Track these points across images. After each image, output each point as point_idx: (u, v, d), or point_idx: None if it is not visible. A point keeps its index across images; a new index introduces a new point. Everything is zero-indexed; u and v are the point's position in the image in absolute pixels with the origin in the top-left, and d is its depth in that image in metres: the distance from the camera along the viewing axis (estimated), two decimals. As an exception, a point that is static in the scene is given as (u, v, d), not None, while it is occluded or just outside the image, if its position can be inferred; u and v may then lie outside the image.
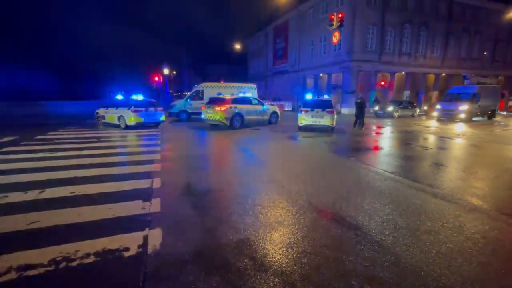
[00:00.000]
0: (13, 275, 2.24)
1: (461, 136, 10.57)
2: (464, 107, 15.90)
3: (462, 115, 15.92)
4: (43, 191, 4.09)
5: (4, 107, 19.58)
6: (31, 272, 2.27)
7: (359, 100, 12.80)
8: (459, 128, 13.22)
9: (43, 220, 3.17)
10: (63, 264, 2.39)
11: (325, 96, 12.42)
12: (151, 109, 12.41)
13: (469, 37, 28.40)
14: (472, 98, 16.13)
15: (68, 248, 2.61)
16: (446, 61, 27.65)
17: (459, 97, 16.74)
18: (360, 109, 12.63)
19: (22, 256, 2.49)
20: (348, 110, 21.93)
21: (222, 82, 17.28)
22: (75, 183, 4.49)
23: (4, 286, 2.13)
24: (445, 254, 2.60)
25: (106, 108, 13.22)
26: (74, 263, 2.40)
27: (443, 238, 2.90)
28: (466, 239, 2.87)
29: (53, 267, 2.35)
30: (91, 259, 2.47)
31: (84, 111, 20.79)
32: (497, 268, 2.42)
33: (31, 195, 3.95)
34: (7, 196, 3.88)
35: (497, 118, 18.24)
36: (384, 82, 24.32)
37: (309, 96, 12.56)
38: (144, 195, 4.02)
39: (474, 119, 16.77)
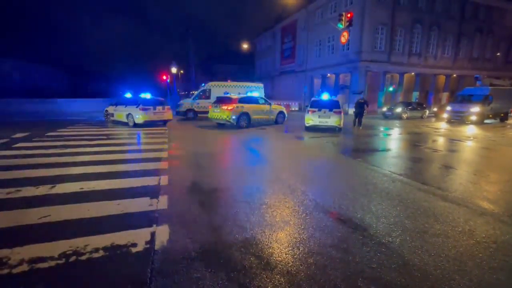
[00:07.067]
0: (25, 267, 2.30)
1: (472, 138, 10.34)
2: (475, 109, 15.52)
3: (473, 117, 15.54)
4: (54, 186, 4.18)
5: (17, 104, 20.10)
6: (42, 265, 2.33)
7: (362, 101, 13.29)
8: (470, 130, 12.93)
9: (54, 215, 3.25)
10: (73, 258, 2.44)
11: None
12: (159, 107, 12.55)
13: (481, 37, 27.74)
14: (484, 100, 15.72)
15: (77, 242, 2.67)
16: (458, 62, 27.09)
17: (470, 98, 16.34)
18: (361, 108, 13.12)
19: (34, 249, 2.56)
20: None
21: (229, 81, 17.33)
22: (84, 179, 4.58)
23: (16, 277, 2.19)
24: (455, 258, 2.55)
25: (115, 106, 13.43)
26: (84, 257, 2.45)
27: (452, 241, 2.84)
28: (477, 244, 2.81)
29: (63, 261, 2.40)
30: (100, 253, 2.51)
31: (93, 108, 21.18)
32: (509, 274, 2.36)
33: (43, 190, 4.05)
34: (19, 191, 3.99)
35: (510, 121, 17.77)
36: (394, 86, 24.21)
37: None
38: (152, 192, 4.07)
39: (486, 121, 16.36)
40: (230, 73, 48.28)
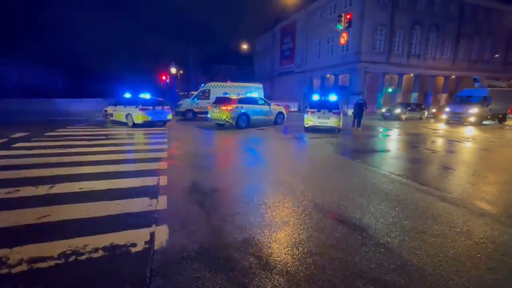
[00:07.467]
0: (24, 267, 2.30)
1: (470, 139, 10.38)
2: (474, 110, 15.58)
3: (472, 119, 15.61)
4: (53, 186, 4.18)
5: (16, 104, 20.07)
6: (42, 265, 2.33)
7: (361, 102, 13.32)
8: (469, 131, 12.98)
9: (53, 215, 3.25)
10: (72, 258, 2.44)
11: (333, 96, 12.33)
12: (159, 107, 12.55)
13: (480, 38, 27.85)
14: (483, 101, 15.80)
15: (77, 242, 2.67)
16: (456, 63, 27.19)
17: (469, 100, 16.41)
18: (360, 109, 13.19)
19: (33, 248, 2.55)
20: (354, 112, 21.78)
21: (228, 82, 17.33)
22: (84, 179, 4.58)
23: (16, 277, 2.19)
24: (453, 258, 2.56)
25: (114, 106, 13.42)
26: (83, 257, 2.45)
27: (450, 242, 2.86)
28: (475, 244, 2.83)
29: (62, 260, 2.40)
30: (99, 253, 2.51)
31: (92, 108, 21.15)
32: (507, 274, 2.38)
33: (42, 190, 4.05)
34: (19, 191, 3.98)
35: (509, 122, 17.85)
36: (393, 87, 24.37)
37: (316, 97, 12.49)
38: (151, 192, 4.07)
39: (484, 122, 16.43)
40: (230, 73, 48.31)
